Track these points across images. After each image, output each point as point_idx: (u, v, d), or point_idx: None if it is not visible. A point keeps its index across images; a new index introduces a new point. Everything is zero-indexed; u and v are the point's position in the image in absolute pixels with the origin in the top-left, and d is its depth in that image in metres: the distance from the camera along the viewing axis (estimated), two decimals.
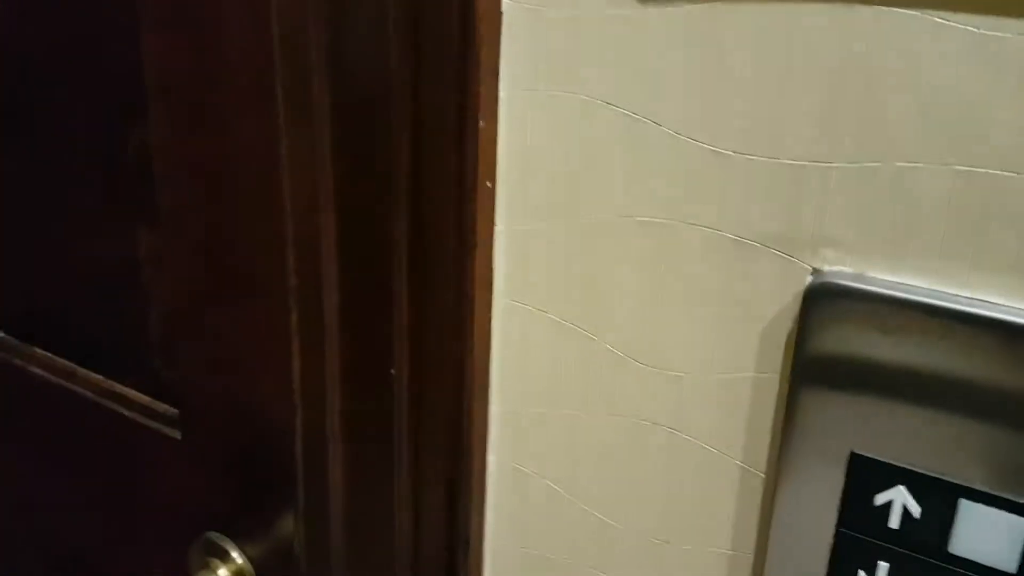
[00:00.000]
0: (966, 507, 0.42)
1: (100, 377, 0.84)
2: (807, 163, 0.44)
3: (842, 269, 0.45)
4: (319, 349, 0.60)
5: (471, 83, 0.49)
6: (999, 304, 0.41)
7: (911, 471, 0.43)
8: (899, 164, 0.42)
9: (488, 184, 0.51)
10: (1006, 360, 0.41)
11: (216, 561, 0.75)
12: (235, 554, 0.75)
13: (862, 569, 0.45)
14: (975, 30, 0.39)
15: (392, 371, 0.57)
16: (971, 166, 0.41)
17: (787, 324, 0.47)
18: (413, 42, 0.50)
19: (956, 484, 0.43)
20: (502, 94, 0.51)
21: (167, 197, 0.69)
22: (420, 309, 0.55)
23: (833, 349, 0.45)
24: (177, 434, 0.78)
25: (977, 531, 0.42)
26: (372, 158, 0.54)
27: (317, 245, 0.58)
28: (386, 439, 0.59)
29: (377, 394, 0.59)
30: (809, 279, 0.45)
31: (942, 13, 0.40)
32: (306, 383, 0.62)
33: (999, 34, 0.39)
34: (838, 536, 0.46)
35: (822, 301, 0.44)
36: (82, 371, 0.86)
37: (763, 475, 0.50)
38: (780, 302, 0.47)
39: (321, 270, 0.58)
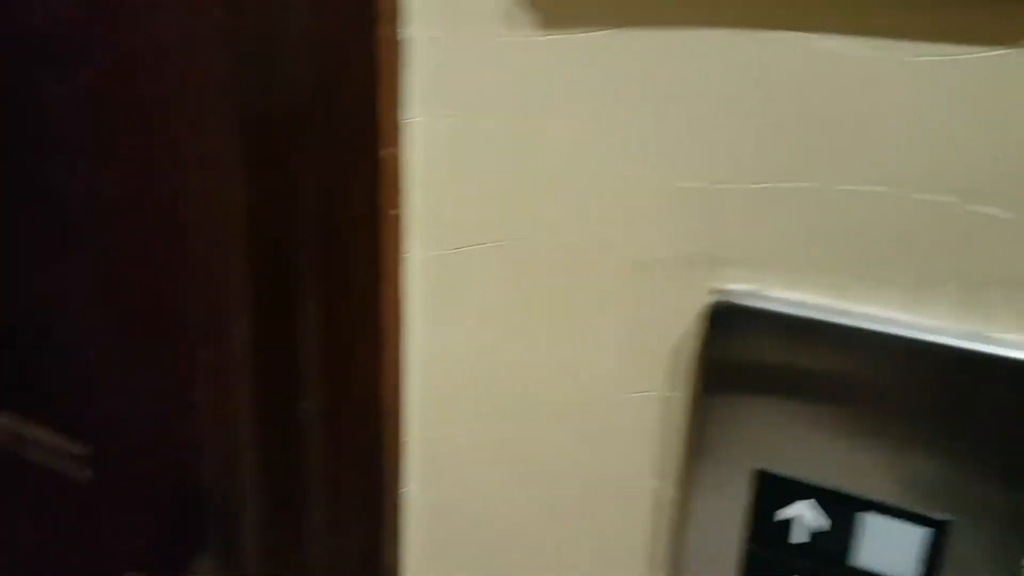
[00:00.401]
0: (866, 520, 0.43)
1: (7, 420, 0.81)
2: (705, 185, 0.45)
3: (743, 288, 0.46)
4: (229, 385, 0.59)
5: (371, 112, 0.49)
6: (893, 319, 0.42)
7: (813, 486, 0.44)
8: (793, 185, 0.43)
9: (392, 212, 0.51)
10: (900, 374, 0.42)
11: None
12: None
13: None
14: (865, 53, 0.40)
15: (304, 405, 0.56)
16: (860, 185, 0.42)
17: (691, 343, 0.47)
18: (314, 73, 0.50)
19: (856, 497, 0.43)
20: (406, 121, 0.51)
21: (79, 233, 0.68)
22: (330, 341, 0.54)
23: (735, 367, 0.45)
24: (91, 474, 0.76)
25: (877, 543, 0.43)
26: (279, 192, 0.53)
27: (227, 280, 0.57)
28: (300, 473, 0.58)
29: (289, 428, 0.58)
30: (710, 298, 0.46)
31: (831, 36, 0.41)
32: (217, 419, 0.60)
33: (886, 55, 0.40)
34: (745, 552, 0.46)
35: (723, 320, 0.45)
36: None
37: (674, 494, 0.50)
38: (684, 322, 0.47)
39: (230, 304, 0.57)
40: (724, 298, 0.45)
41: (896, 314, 0.42)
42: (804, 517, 0.44)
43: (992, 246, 0.40)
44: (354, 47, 0.48)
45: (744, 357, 0.45)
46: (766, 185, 0.44)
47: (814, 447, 0.44)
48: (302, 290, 0.54)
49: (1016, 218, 0.39)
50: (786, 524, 0.45)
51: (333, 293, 0.53)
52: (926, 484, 0.42)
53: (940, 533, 0.42)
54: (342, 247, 0.52)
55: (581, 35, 0.46)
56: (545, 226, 0.49)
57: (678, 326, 0.48)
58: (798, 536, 0.45)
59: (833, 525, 0.44)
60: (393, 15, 0.48)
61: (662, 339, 0.48)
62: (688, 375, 0.48)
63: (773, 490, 0.45)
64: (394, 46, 0.49)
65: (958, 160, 0.39)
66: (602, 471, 0.52)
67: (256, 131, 0.53)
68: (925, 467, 0.42)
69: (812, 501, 0.44)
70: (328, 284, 0.53)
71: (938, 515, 0.42)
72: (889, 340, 0.42)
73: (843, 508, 0.44)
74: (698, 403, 0.47)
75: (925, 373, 0.41)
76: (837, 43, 0.40)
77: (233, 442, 0.60)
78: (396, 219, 0.51)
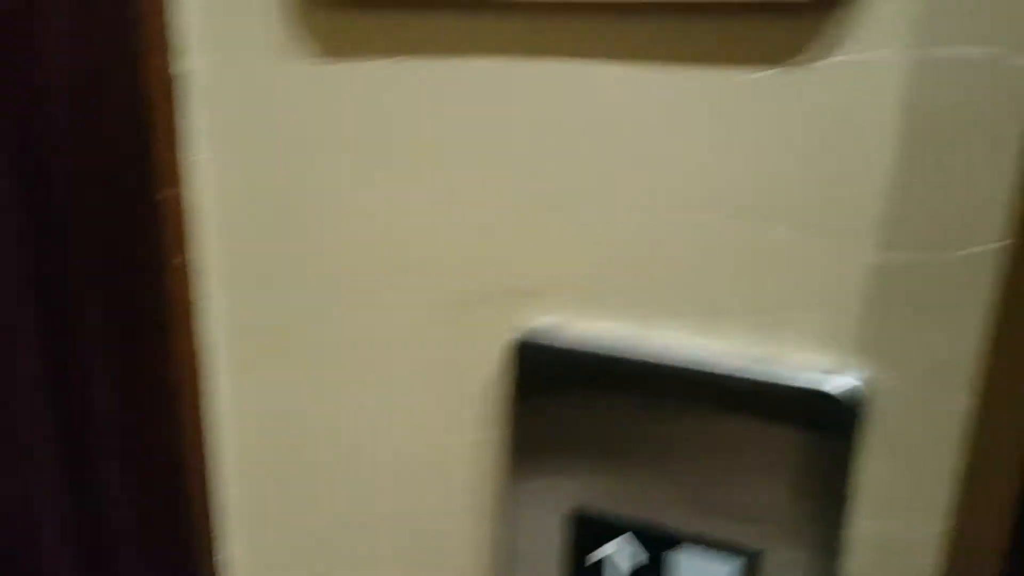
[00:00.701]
0: (681, 554, 0.42)
1: None
2: (499, 216, 0.43)
3: (548, 322, 0.44)
4: (25, 453, 0.53)
5: (145, 151, 0.45)
6: (692, 347, 0.41)
7: (628, 524, 0.42)
8: (583, 212, 0.42)
9: (178, 259, 0.47)
10: (701, 404, 0.40)
11: None
12: None
13: None
14: (641, 77, 0.39)
15: (105, 472, 0.52)
16: (648, 211, 0.40)
17: (499, 383, 0.45)
18: (80, 114, 0.46)
19: (670, 532, 0.42)
20: (187, 160, 0.47)
21: None
22: (125, 401, 0.50)
23: (543, 405, 0.43)
24: None
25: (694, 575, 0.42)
26: (59, 246, 0.49)
27: (13, 343, 0.52)
28: (106, 544, 0.53)
29: (92, 497, 0.53)
30: (514, 336, 0.44)
31: (605, 62, 0.39)
32: (15, 490, 0.55)
33: (661, 78, 0.39)
34: None
35: (527, 358, 0.43)
36: None
37: (494, 538, 0.48)
38: (491, 361, 0.45)
39: (20, 369, 0.52)
40: (528, 335, 0.43)
41: (696, 340, 0.41)
42: (619, 555, 0.43)
43: (779, 267, 0.39)
44: (120, 84, 0.44)
45: (550, 394, 0.43)
46: (558, 214, 0.42)
47: (626, 484, 0.42)
48: (90, 348, 0.50)
49: (799, 238, 0.38)
50: (602, 564, 0.43)
51: (122, 350, 0.49)
52: (737, 515, 0.41)
53: (753, 563, 0.41)
54: (127, 300, 0.48)
55: (364, 64, 0.43)
56: (343, 267, 0.47)
57: (485, 366, 0.45)
58: (614, 575, 0.43)
59: (649, 561, 0.42)
60: (164, 48, 0.45)
61: (471, 381, 0.46)
62: (498, 416, 0.46)
63: (588, 530, 0.43)
64: (168, 80, 0.45)
65: (741, 181, 0.39)
66: (423, 519, 0.49)
67: (31, 180, 0.49)
68: (734, 498, 0.41)
69: (627, 538, 0.43)
70: (116, 341, 0.49)
71: (750, 546, 0.41)
72: (686, 372, 0.41)
73: (657, 544, 0.42)
74: (510, 444, 0.44)
75: (723, 402, 0.40)
76: (613, 69, 0.39)
77: (33, 513, 0.55)
78: (183, 267, 0.48)
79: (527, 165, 0.42)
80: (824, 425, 0.38)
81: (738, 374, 0.39)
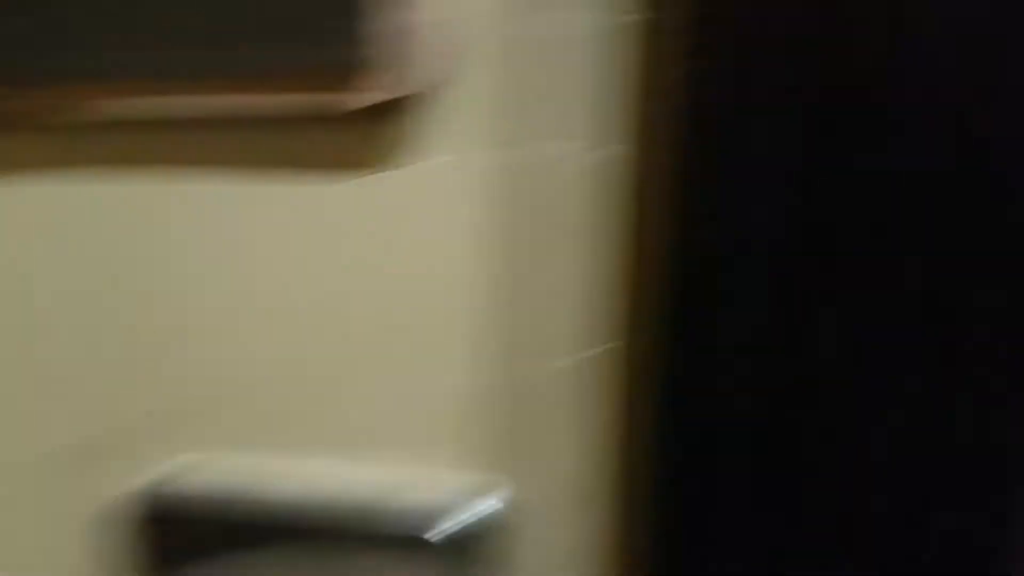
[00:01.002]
0: None
1: None
2: (108, 355, 0.38)
3: (180, 467, 0.38)
4: None
5: None
6: (327, 484, 0.37)
7: None
8: (193, 344, 0.37)
9: None
10: (330, 554, 0.36)
11: None
12: None
13: None
14: (225, 187, 0.35)
15: None
16: (255, 338, 0.36)
17: (125, 538, 0.39)
18: None
19: None
20: None
21: None
22: None
23: (179, 558, 0.38)
24: None
25: None
26: None
27: None
28: None
29: None
30: (144, 483, 0.38)
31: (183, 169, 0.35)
32: None
33: (247, 188, 0.34)
34: None
35: (152, 510, 0.38)
36: None
37: None
38: (111, 518, 0.39)
39: None
40: (151, 486, 0.38)
41: (334, 470, 0.37)
42: None
43: (399, 392, 0.36)
44: None
45: (183, 549, 0.38)
46: (161, 348, 0.37)
47: None
48: None
49: (414, 360, 0.35)
50: None
51: None
52: None
53: None
54: None
55: None
56: None
57: (106, 521, 0.39)
58: None
59: None
60: None
61: (93, 539, 0.40)
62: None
63: None
64: None
65: (332, 299, 0.35)
66: None
67: None
68: None
69: None
70: None
71: None
72: (315, 516, 0.37)
73: None
74: None
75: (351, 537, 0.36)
76: (193, 188, 0.35)
77: None
78: None
79: (119, 296, 0.37)
80: (456, 563, 0.35)
81: (360, 501, 0.35)
